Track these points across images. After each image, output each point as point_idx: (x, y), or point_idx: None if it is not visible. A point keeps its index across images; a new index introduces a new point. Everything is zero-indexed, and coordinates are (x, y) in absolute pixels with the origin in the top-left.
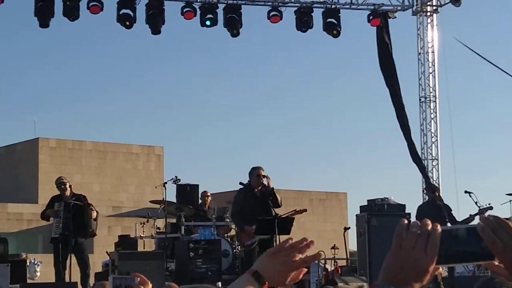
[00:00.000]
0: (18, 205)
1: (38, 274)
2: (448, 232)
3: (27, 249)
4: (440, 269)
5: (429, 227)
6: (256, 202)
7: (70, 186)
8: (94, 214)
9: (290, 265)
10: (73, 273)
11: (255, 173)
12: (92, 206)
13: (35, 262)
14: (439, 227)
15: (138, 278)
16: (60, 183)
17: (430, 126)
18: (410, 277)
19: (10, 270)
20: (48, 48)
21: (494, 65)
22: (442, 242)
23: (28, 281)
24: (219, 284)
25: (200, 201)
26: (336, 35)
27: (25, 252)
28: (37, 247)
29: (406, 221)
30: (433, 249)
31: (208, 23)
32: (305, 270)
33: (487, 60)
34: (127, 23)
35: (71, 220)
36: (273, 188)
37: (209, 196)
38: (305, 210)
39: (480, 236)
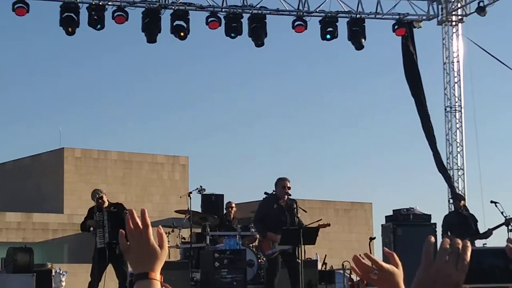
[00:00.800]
0: (44, 215)
1: (64, 284)
2: (477, 252)
3: (52, 259)
4: None
5: (460, 244)
6: (281, 212)
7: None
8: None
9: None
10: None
11: (281, 184)
12: (126, 211)
13: (61, 272)
14: (469, 244)
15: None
16: (97, 195)
17: (456, 135)
18: None
19: (36, 280)
20: (74, 57)
21: None
22: (471, 261)
23: None
24: None
25: (225, 211)
26: (359, 48)
27: (50, 262)
28: (62, 257)
29: (433, 238)
30: (464, 265)
31: (232, 34)
32: None
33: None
34: (152, 38)
35: (115, 229)
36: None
37: (233, 207)
38: (329, 225)
39: (510, 257)
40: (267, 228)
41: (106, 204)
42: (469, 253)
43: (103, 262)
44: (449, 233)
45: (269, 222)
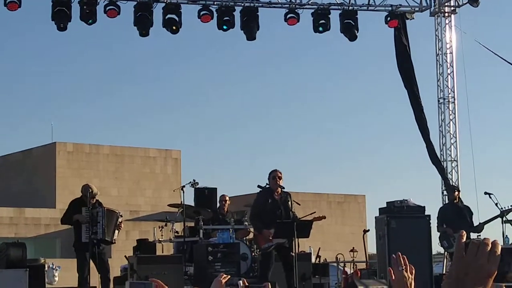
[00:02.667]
0: (36, 210)
1: (57, 279)
2: (506, 250)
3: (45, 254)
4: None
5: (490, 240)
6: (275, 205)
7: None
8: (121, 225)
9: None
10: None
11: (272, 175)
12: (121, 215)
13: (54, 267)
14: (498, 242)
15: (155, 284)
16: (87, 190)
17: (449, 127)
18: (475, 282)
19: (29, 275)
20: (64, 52)
21: None
22: (501, 258)
23: (47, 286)
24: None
25: (218, 204)
26: (352, 39)
27: (43, 257)
28: (55, 251)
29: (465, 233)
30: (495, 258)
31: (225, 27)
32: None
33: (506, 61)
34: (143, 32)
35: (107, 227)
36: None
37: (227, 200)
38: (324, 217)
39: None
40: (264, 225)
41: (94, 201)
42: (499, 247)
43: (89, 254)
44: (444, 226)
45: (264, 217)
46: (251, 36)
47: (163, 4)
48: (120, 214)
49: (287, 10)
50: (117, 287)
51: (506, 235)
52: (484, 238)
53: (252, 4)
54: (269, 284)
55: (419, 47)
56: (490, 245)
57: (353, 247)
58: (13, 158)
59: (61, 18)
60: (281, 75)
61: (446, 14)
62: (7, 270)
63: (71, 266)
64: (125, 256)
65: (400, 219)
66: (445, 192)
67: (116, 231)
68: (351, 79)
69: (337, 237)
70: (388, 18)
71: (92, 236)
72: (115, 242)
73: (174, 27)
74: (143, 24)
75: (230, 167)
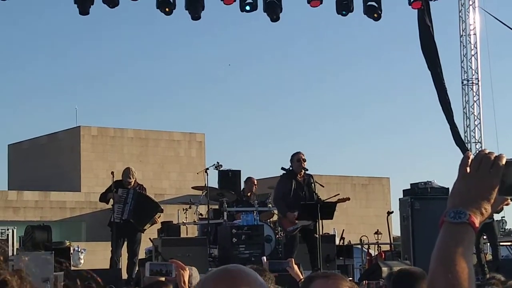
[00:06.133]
0: (61, 193)
1: (82, 261)
2: None
3: (70, 237)
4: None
5: (494, 154)
6: (299, 187)
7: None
8: (157, 220)
9: None
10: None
11: (296, 158)
12: (161, 211)
13: (79, 250)
14: (504, 155)
15: (175, 264)
16: (129, 172)
17: (473, 109)
18: (478, 196)
19: (54, 257)
20: (88, 35)
21: None
22: (508, 170)
23: (72, 268)
24: (264, 258)
25: (243, 186)
26: (377, 18)
27: (68, 240)
28: (80, 235)
29: (471, 153)
30: (497, 169)
31: (247, 8)
32: None
33: None
34: (167, 9)
35: (137, 209)
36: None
37: (255, 183)
38: (348, 199)
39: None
40: (288, 207)
41: (132, 184)
42: (504, 159)
43: (121, 237)
44: None
45: (288, 199)
46: (274, 17)
47: None
48: (161, 209)
49: None
50: (141, 268)
51: None
52: (489, 152)
53: None
54: (293, 259)
55: (443, 28)
56: (493, 158)
57: (378, 230)
58: (39, 142)
59: (83, 2)
60: (304, 57)
61: None
62: (32, 252)
63: (96, 249)
64: (150, 238)
65: (424, 201)
66: None
67: (149, 224)
68: (375, 61)
69: (361, 220)
70: (412, 0)
71: (116, 216)
72: (143, 231)
73: (196, 10)
74: (165, 5)
75: (254, 150)
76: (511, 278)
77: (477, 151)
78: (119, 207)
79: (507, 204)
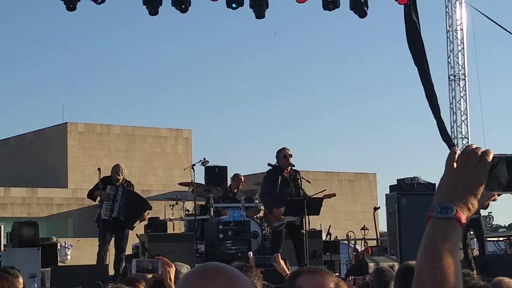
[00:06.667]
0: (48, 190)
1: (69, 257)
2: (500, 159)
3: (57, 233)
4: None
5: (482, 149)
6: (285, 183)
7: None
8: (146, 218)
9: None
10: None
11: (282, 153)
12: (150, 209)
13: (66, 246)
14: (491, 150)
15: (162, 261)
16: (118, 169)
17: (460, 104)
18: (465, 191)
19: (41, 254)
20: (75, 32)
21: None
22: (495, 166)
23: (59, 264)
24: (251, 253)
25: (229, 182)
26: (363, 15)
27: (55, 236)
28: (67, 231)
29: (457, 148)
30: (484, 164)
31: (234, 5)
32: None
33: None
34: (152, 10)
35: (128, 207)
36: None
37: (242, 180)
38: (334, 195)
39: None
40: (274, 203)
41: (121, 181)
42: (490, 155)
43: (109, 233)
44: None
45: (274, 195)
46: (260, 15)
47: None
48: (150, 206)
49: None
50: (127, 264)
51: None
52: (476, 147)
53: None
54: (280, 255)
55: (430, 23)
56: (480, 153)
57: (364, 225)
58: (25, 139)
59: None
60: (289, 53)
61: None
62: (19, 249)
63: (83, 245)
64: (137, 234)
65: (410, 196)
66: None
67: (138, 221)
68: (361, 57)
69: (348, 216)
70: None
71: (105, 213)
72: (132, 229)
73: (183, 6)
74: (152, 2)
75: (241, 146)
76: (498, 274)
77: (464, 146)
78: (108, 204)
79: (494, 200)
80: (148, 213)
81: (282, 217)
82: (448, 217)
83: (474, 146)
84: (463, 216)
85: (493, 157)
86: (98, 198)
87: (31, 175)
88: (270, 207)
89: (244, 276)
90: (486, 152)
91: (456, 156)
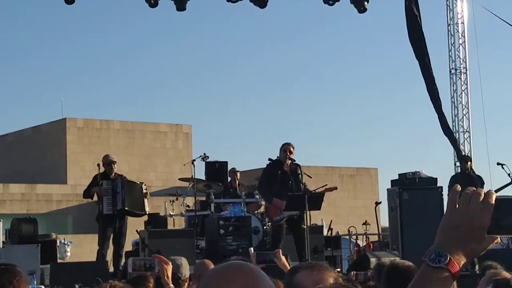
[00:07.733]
0: (47, 186)
1: (69, 254)
2: (503, 201)
3: (57, 230)
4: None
5: (483, 191)
6: (285, 178)
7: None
8: (147, 194)
9: None
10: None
11: (283, 148)
12: (144, 184)
13: (65, 242)
14: (493, 191)
15: (158, 260)
16: (109, 161)
17: (461, 98)
18: (467, 236)
19: (41, 250)
20: (73, 27)
21: None
22: (497, 208)
23: (59, 261)
24: (252, 249)
25: (229, 178)
26: (362, 10)
27: (55, 233)
28: (66, 227)
29: (459, 186)
30: (487, 207)
31: None
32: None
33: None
34: (152, 1)
35: (127, 197)
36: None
37: (237, 172)
38: (335, 188)
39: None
40: (272, 193)
41: (114, 173)
42: (493, 197)
43: (109, 229)
44: None
45: (274, 188)
46: (261, 4)
47: None
48: (143, 183)
49: None
50: (127, 260)
51: None
52: (478, 188)
53: None
54: (281, 250)
55: (431, 17)
56: (483, 195)
57: (366, 220)
58: (24, 135)
59: None
60: (291, 49)
61: None
62: (19, 245)
63: (82, 242)
64: (137, 230)
65: (412, 191)
66: (457, 164)
67: (146, 202)
68: (362, 51)
69: (349, 211)
70: None
71: (108, 208)
72: (147, 213)
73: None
74: None
75: (241, 141)
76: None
77: (465, 191)
78: (109, 199)
79: (496, 243)
80: (146, 190)
81: (283, 208)
82: (439, 267)
83: (475, 188)
84: (457, 266)
85: (496, 199)
86: (96, 196)
87: (30, 171)
88: (269, 197)
89: (262, 272)
90: (488, 194)
91: (457, 197)
